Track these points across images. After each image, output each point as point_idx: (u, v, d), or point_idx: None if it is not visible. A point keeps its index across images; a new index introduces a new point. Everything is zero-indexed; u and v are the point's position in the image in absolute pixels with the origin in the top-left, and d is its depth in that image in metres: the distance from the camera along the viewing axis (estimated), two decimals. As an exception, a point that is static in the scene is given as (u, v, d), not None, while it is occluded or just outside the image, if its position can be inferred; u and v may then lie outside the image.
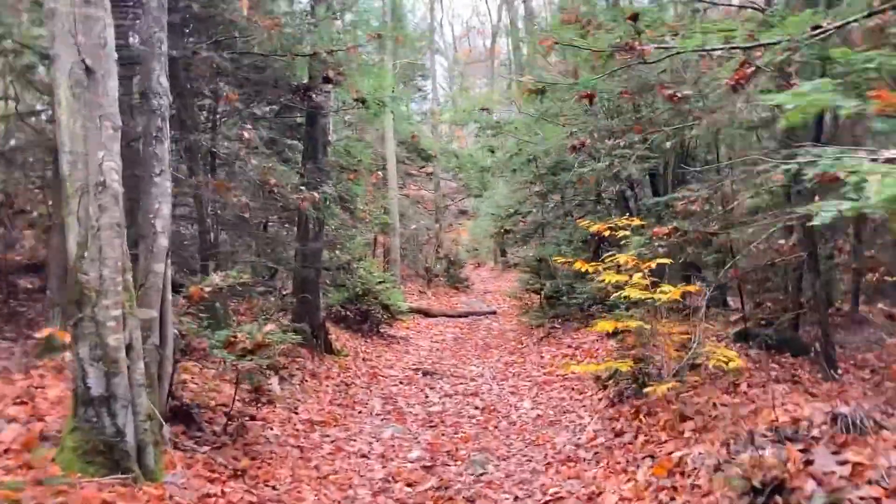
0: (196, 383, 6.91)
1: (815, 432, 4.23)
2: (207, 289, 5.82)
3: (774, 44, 3.97)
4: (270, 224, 13.03)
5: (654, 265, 6.24)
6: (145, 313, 5.15)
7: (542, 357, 10.89)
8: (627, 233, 8.54)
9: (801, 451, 4.06)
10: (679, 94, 5.27)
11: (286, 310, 9.81)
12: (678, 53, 4.44)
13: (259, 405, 6.62)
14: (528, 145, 13.19)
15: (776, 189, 7.95)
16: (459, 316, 17.61)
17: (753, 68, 4.15)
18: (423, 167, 22.61)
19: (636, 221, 9.25)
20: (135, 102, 6.38)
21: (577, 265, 8.50)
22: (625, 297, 6.12)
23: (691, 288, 6.10)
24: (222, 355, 5.63)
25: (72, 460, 4.33)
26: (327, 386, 8.81)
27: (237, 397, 6.49)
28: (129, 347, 4.61)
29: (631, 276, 6.16)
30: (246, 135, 6.81)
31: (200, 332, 5.79)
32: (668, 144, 8.74)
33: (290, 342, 6.51)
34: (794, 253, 7.63)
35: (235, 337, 5.86)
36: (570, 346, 10.86)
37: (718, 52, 4.35)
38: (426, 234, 24.28)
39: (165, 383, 5.37)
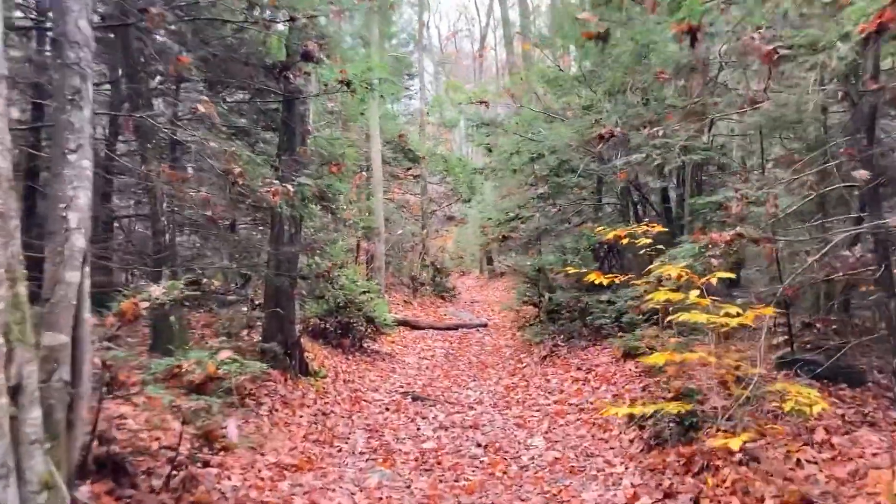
0: (136, 421, 5.52)
1: None
2: (144, 304, 4.47)
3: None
4: (242, 226, 11.65)
5: (714, 279, 4.96)
6: (51, 339, 3.80)
7: (547, 380, 9.59)
8: (648, 240, 7.43)
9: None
10: (780, 52, 4.03)
11: (252, 326, 8.43)
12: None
13: (214, 450, 5.27)
14: (530, 143, 11.92)
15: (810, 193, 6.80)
16: (448, 329, 16.31)
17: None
18: (410, 169, 21.26)
19: (657, 228, 8.09)
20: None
21: (592, 277, 7.36)
22: (675, 319, 4.85)
23: (767, 310, 4.84)
24: (157, 392, 4.26)
25: (-82, 558, 2.99)
26: (301, 416, 7.45)
27: (186, 437, 5.14)
28: (15, 389, 3.28)
29: (687, 294, 4.88)
30: (202, 108, 5.44)
31: (134, 359, 4.43)
32: (704, 138, 7.56)
33: (253, 372, 5.15)
34: (859, 267, 6.42)
35: (180, 367, 4.52)
36: (579, 369, 9.57)
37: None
38: (411, 241, 22.97)
39: (79, 431, 4.00)
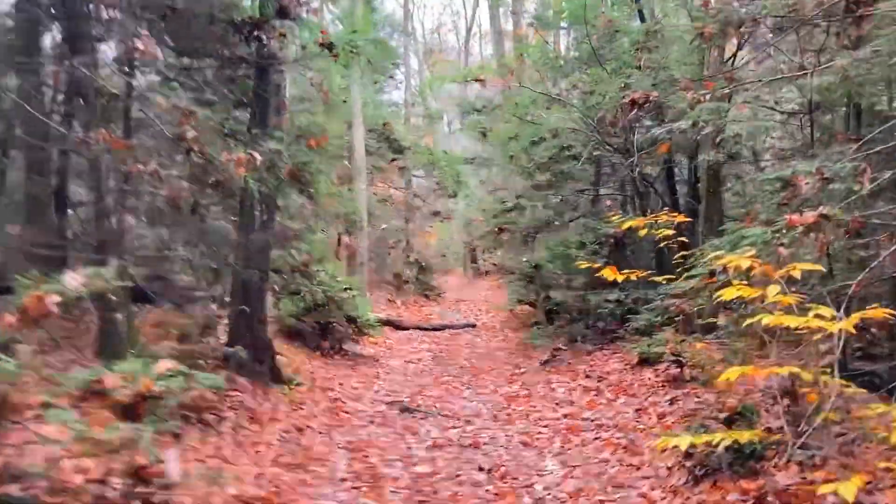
0: (56, 448, 4.35)
1: None
2: (55, 299, 3.32)
3: None
4: (215, 217, 10.45)
5: (797, 272, 3.90)
6: None
7: (552, 389, 8.52)
8: (670, 231, 6.57)
9: None
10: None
11: (210, 326, 7.25)
12: None
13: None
14: (530, 127, 10.87)
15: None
16: (435, 329, 15.23)
17: None
18: (395, 160, 20.13)
19: (680, 217, 7.18)
20: None
21: (606, 273, 6.41)
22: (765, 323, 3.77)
23: (878, 313, 3.77)
24: (61, 419, 3.12)
25: None
26: (271, 434, 6.31)
27: (117, 470, 3.99)
28: None
29: (765, 291, 3.81)
30: (140, 46, 4.26)
31: (36, 372, 3.28)
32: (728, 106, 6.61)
33: (206, 386, 4.02)
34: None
35: (101, 382, 3.38)
36: (588, 376, 8.53)
37: None
38: (395, 236, 21.88)
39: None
